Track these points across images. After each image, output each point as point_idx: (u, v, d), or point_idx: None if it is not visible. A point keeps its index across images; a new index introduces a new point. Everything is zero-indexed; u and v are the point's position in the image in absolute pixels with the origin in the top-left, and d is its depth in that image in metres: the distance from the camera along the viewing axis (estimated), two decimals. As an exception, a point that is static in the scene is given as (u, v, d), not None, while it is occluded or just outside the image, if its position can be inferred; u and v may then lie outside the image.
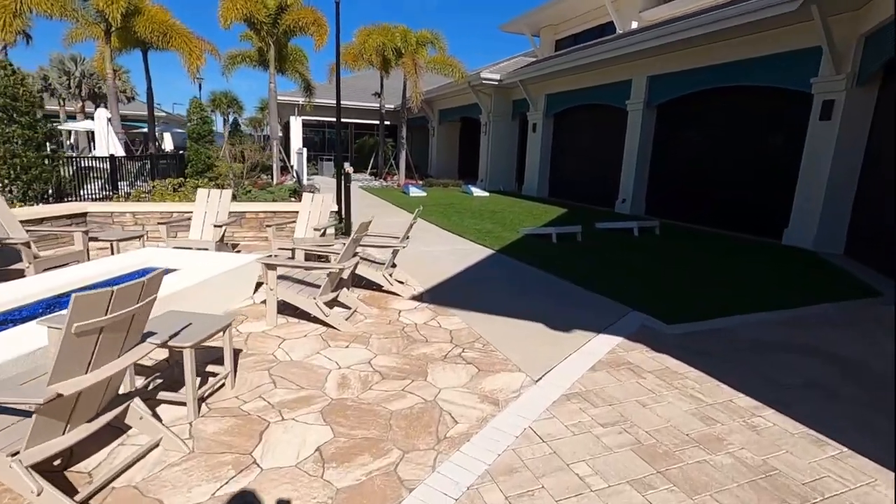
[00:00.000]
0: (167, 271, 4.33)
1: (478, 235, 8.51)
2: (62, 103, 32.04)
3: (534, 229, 8.71)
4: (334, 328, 3.85)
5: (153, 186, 10.51)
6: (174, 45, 14.46)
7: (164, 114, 38.18)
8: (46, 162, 7.16)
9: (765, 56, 8.88)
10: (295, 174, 15.80)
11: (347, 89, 29.04)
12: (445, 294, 4.98)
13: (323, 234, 6.02)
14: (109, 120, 11.98)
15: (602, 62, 12.22)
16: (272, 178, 16.45)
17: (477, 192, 15.98)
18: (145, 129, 22.35)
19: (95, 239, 4.94)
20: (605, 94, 13.07)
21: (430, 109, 23.48)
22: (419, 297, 4.81)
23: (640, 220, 9.91)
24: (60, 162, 7.42)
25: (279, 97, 25.52)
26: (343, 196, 8.50)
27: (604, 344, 3.78)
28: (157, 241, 6.13)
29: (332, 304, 4.30)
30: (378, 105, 21.03)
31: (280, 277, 4.04)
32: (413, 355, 3.46)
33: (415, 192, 15.25)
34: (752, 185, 9.51)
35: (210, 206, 5.91)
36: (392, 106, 23.82)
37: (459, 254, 7.03)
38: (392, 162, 21.01)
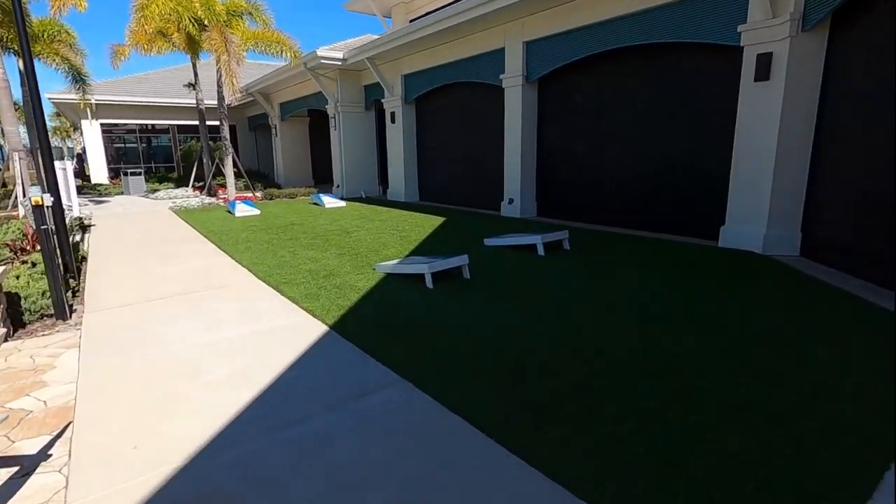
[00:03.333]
0: None
1: (307, 287, 5.18)
2: None
3: (397, 264, 5.62)
4: None
5: None
6: None
7: None
8: None
9: (669, 4, 6.79)
10: (27, 202, 10.74)
11: (162, 82, 23.32)
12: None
13: None
14: None
15: (465, 25, 9.50)
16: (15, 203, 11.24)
17: (330, 202, 12.50)
18: None
19: None
20: (473, 69, 10.44)
21: (268, 103, 19.23)
22: None
23: (543, 230, 7.37)
24: None
25: (53, 97, 19.24)
26: (44, 244, 4.54)
27: None
28: None
29: None
30: (195, 100, 16.35)
31: None
32: None
33: (243, 210, 11.30)
34: (675, 174, 7.46)
35: None
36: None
37: (250, 352, 3.65)
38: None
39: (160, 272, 6.16)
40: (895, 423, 2.45)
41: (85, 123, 20.76)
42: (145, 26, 12.32)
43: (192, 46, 14.22)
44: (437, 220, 9.57)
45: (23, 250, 6.67)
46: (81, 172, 24.39)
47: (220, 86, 13.71)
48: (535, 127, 9.56)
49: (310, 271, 5.93)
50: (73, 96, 15.83)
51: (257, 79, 17.46)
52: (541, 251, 6.37)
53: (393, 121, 13.19)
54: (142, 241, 8.35)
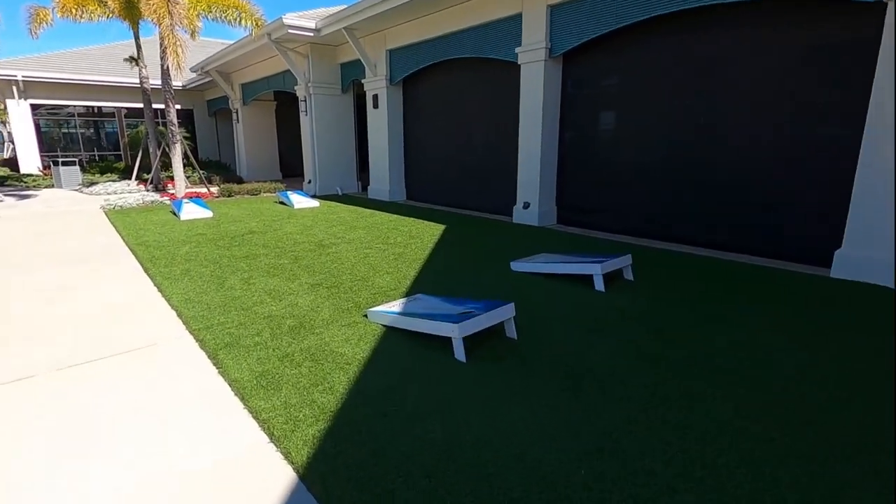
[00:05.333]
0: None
1: (263, 355, 3.21)
2: None
3: (401, 315, 3.66)
4: None
5: None
6: None
7: None
8: None
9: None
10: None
11: (106, 59, 20.37)
12: None
13: None
14: None
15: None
16: None
17: (300, 201, 10.41)
18: None
19: None
20: (479, 42, 8.50)
21: (227, 84, 16.80)
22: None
23: (590, 250, 5.55)
24: None
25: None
26: None
27: None
28: None
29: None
30: (138, 79, 13.87)
31: None
32: None
33: (190, 211, 9.11)
34: (760, 175, 5.71)
35: None
36: (181, 82, 16.28)
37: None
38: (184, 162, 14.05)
39: (37, 313, 4.06)
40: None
41: (11, 104, 17.84)
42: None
43: (131, 11, 11.81)
44: (436, 229, 7.64)
45: None
46: (14, 160, 21.29)
47: (163, 59, 11.33)
48: (559, 114, 7.71)
49: (269, 318, 3.96)
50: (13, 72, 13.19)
51: (214, 54, 15.03)
52: (599, 285, 4.54)
53: (376, 105, 11.13)
54: (36, 258, 6.13)
